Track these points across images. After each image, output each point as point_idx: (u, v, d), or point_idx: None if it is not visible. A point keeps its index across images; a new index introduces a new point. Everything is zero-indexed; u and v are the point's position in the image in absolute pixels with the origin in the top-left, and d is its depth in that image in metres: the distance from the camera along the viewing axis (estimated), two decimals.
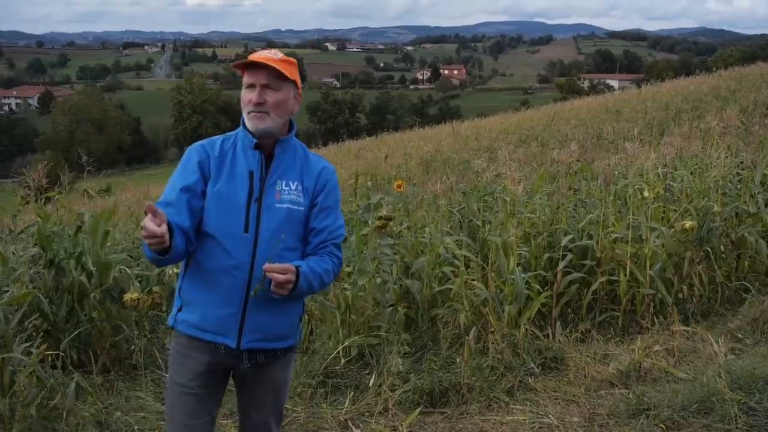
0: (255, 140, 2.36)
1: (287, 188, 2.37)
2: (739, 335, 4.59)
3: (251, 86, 2.35)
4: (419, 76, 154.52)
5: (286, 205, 2.35)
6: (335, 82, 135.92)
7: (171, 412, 2.46)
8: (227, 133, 2.47)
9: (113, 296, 4.33)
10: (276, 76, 2.34)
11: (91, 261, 4.34)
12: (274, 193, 2.35)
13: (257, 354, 2.38)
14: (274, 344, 2.41)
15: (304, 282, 2.28)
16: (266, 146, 2.38)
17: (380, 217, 4.38)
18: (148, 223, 2.07)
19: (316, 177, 2.44)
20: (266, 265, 2.21)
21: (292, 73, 2.38)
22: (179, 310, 2.40)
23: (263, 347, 2.38)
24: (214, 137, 2.45)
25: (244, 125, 2.40)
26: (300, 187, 2.40)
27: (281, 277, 2.20)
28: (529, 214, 5.07)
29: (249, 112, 2.35)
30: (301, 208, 2.39)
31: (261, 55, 2.37)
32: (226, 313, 2.32)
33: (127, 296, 4.08)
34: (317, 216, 2.42)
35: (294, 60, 2.43)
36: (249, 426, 2.57)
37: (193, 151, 2.39)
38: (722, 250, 5.37)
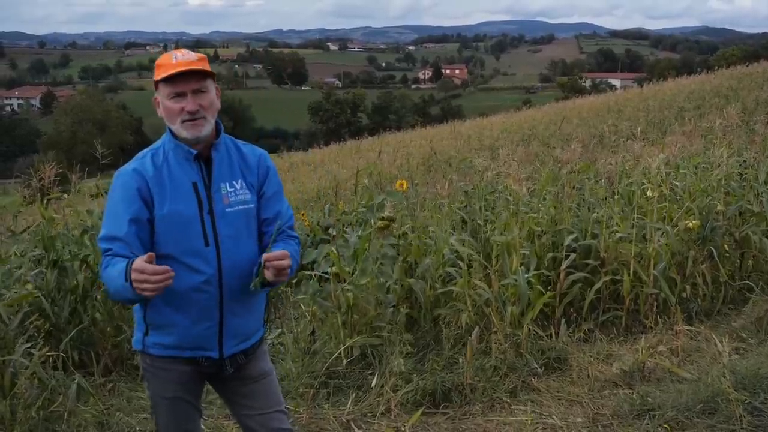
0: (194, 151, 2.28)
1: (232, 190, 2.33)
2: (743, 335, 4.57)
3: (180, 95, 2.25)
4: (421, 75, 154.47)
5: (236, 208, 2.32)
6: (337, 82, 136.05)
7: (166, 424, 2.46)
8: (151, 148, 2.35)
9: None
10: (203, 77, 2.28)
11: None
12: (221, 199, 2.30)
13: (237, 356, 2.41)
14: (250, 342, 2.44)
15: (294, 263, 2.28)
16: (202, 152, 2.32)
17: (383, 217, 4.36)
18: (150, 265, 2.01)
19: (257, 169, 2.41)
20: (266, 255, 2.19)
21: (210, 68, 2.33)
22: (146, 333, 2.36)
23: (242, 349, 2.41)
24: (139, 157, 2.33)
25: (173, 135, 2.30)
26: (244, 185, 2.36)
27: (284, 262, 2.19)
28: (532, 214, 5.05)
29: (184, 121, 2.25)
30: (252, 205, 2.37)
31: (180, 61, 2.25)
32: (203, 328, 2.30)
33: None
34: (266, 205, 2.41)
35: (204, 56, 2.36)
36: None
37: (127, 178, 2.26)
38: (726, 249, 5.33)
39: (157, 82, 2.28)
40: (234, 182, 2.34)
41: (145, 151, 2.36)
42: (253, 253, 2.35)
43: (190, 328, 2.29)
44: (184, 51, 2.31)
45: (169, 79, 2.24)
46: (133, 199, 2.23)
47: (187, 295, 2.25)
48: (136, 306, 2.38)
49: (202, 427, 2.61)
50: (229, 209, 2.31)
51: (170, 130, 2.31)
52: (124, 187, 2.26)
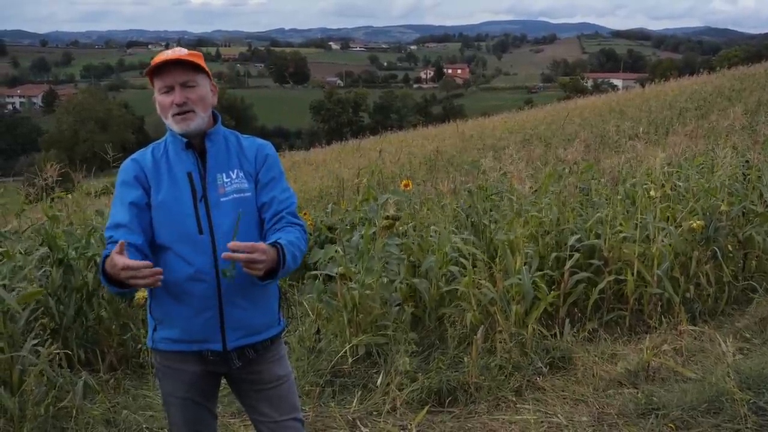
0: (185, 140, 2.31)
1: (228, 180, 2.32)
2: (747, 335, 4.58)
3: (169, 89, 2.28)
4: (423, 75, 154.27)
5: (231, 197, 2.30)
6: (339, 81, 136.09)
7: (178, 424, 2.47)
8: (156, 142, 2.41)
9: None
10: (192, 71, 2.29)
11: None
12: (216, 189, 2.30)
13: (245, 350, 2.36)
14: (259, 336, 2.38)
15: (289, 255, 2.18)
16: (197, 144, 2.34)
17: (387, 216, 4.37)
18: (126, 260, 1.98)
19: (254, 158, 2.40)
20: (231, 244, 2.07)
21: (203, 64, 2.34)
22: (155, 329, 2.38)
23: (249, 342, 2.36)
24: (143, 149, 2.39)
25: (171, 130, 2.34)
26: (241, 174, 2.35)
27: (250, 256, 2.06)
28: (536, 213, 5.06)
29: (174, 115, 2.27)
30: (248, 194, 2.34)
31: (168, 54, 2.28)
32: (205, 319, 2.28)
33: (138, 294, 4.07)
34: (262, 192, 2.37)
35: (200, 53, 2.37)
36: None
37: (127, 167, 2.33)
38: (729, 249, 5.35)
39: (153, 80, 2.31)
40: (230, 172, 2.34)
41: (149, 145, 2.42)
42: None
43: (192, 319, 2.28)
44: (178, 48, 2.34)
45: (158, 73, 2.28)
46: (131, 185, 2.28)
47: (184, 285, 2.24)
48: (147, 301, 2.41)
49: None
50: (224, 198, 2.29)
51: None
52: (124, 174, 2.33)
